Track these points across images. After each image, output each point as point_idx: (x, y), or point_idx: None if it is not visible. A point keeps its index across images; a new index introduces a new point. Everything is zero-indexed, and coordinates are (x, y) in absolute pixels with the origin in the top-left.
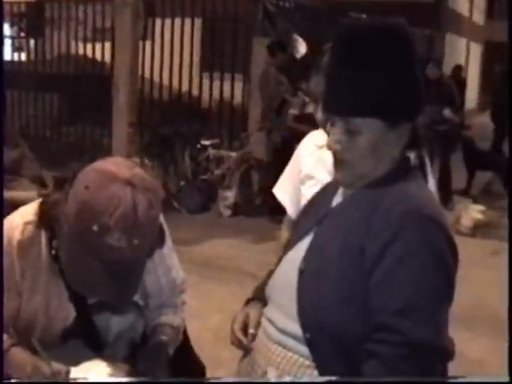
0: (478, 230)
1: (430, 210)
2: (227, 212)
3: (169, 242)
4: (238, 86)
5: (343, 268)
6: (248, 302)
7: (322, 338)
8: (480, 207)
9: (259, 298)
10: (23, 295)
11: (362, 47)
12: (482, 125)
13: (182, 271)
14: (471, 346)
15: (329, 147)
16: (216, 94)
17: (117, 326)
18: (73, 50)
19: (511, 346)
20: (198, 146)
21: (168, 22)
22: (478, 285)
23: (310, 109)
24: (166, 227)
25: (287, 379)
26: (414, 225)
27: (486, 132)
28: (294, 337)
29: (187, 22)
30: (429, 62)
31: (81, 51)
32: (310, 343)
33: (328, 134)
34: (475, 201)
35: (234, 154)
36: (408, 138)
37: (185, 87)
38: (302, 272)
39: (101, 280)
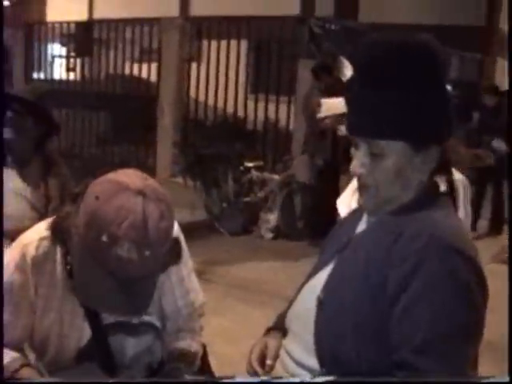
0: None
1: (455, 240)
2: (268, 235)
3: (189, 262)
4: (283, 108)
5: (363, 301)
6: (268, 331)
7: (339, 373)
8: None
9: (280, 327)
10: (37, 313)
11: (384, 64)
12: None
13: (202, 294)
14: None
15: (353, 171)
16: (261, 115)
17: (133, 348)
18: (120, 70)
19: (511, 346)
20: (242, 167)
21: (214, 43)
22: None
23: None
24: (184, 245)
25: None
26: (436, 255)
27: None
28: (311, 370)
29: (233, 43)
30: (480, 87)
31: (129, 71)
32: None
33: (352, 157)
34: None
35: (276, 177)
36: (436, 163)
37: (231, 108)
38: (320, 303)
39: (111, 294)
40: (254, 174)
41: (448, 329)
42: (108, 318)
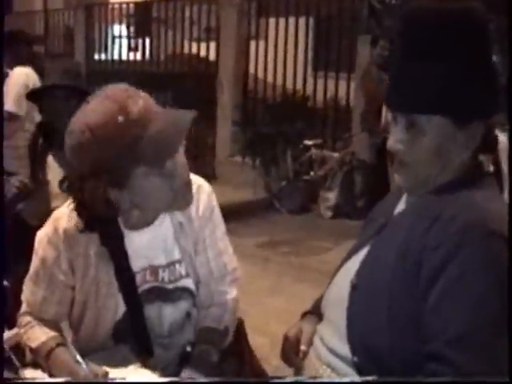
0: None
1: (497, 224)
2: (328, 213)
3: (222, 225)
4: (343, 85)
5: (396, 286)
6: (305, 314)
7: (371, 362)
8: None
9: (316, 311)
10: (76, 286)
11: (426, 33)
12: None
13: (236, 260)
14: None
15: (390, 147)
16: (321, 93)
17: (171, 315)
18: (180, 49)
19: (511, 346)
20: (301, 145)
21: (273, 21)
22: None
23: None
24: (218, 209)
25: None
26: (476, 240)
27: None
28: (343, 358)
29: (291, 21)
30: None
31: (188, 50)
32: (357, 367)
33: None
34: None
35: (336, 155)
36: (481, 141)
37: (291, 86)
38: (354, 288)
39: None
40: (314, 151)
41: (487, 320)
42: (143, 285)
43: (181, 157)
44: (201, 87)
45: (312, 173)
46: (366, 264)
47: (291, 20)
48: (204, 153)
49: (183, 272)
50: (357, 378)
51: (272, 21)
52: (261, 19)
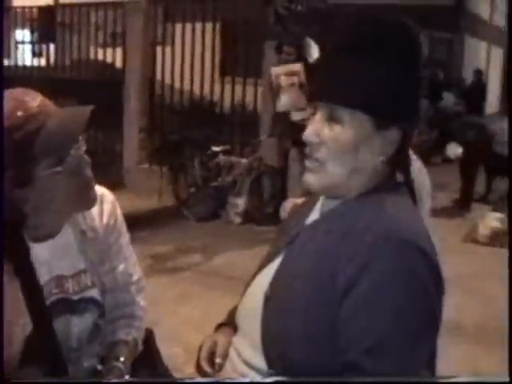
0: (496, 238)
1: (410, 234)
2: (237, 219)
3: (127, 234)
4: (250, 90)
5: (311, 298)
6: (219, 326)
7: (286, 374)
8: (499, 215)
9: (231, 322)
10: None
11: (360, 34)
12: (502, 130)
13: (140, 270)
14: (484, 363)
15: (306, 138)
16: (228, 99)
17: (78, 327)
18: (86, 55)
19: (511, 346)
20: (209, 152)
21: (180, 26)
22: (495, 298)
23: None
24: (121, 216)
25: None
26: (389, 250)
27: (506, 137)
28: (259, 371)
29: (198, 26)
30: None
31: (95, 56)
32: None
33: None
34: (494, 208)
35: (244, 161)
36: (396, 148)
37: (198, 92)
38: (267, 299)
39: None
40: (222, 158)
41: (403, 328)
42: (50, 298)
43: (82, 154)
44: (107, 93)
45: (220, 179)
46: (279, 275)
47: (198, 25)
48: (111, 160)
49: (89, 282)
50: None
51: (179, 26)
52: (167, 24)
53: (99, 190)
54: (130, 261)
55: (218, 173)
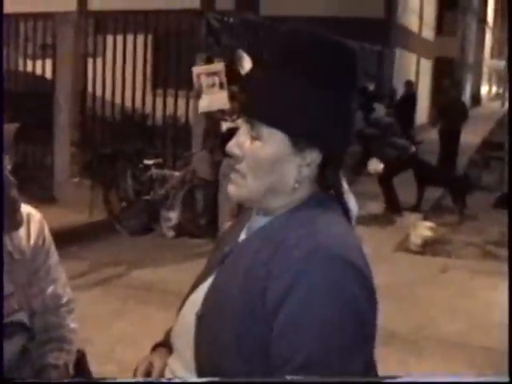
0: (428, 247)
1: (339, 247)
2: (171, 233)
3: (55, 254)
4: (182, 103)
5: (242, 316)
6: (155, 347)
7: None
8: (429, 224)
9: (167, 343)
10: None
11: (290, 47)
12: (431, 140)
13: (70, 290)
14: (417, 370)
15: (228, 149)
16: (160, 111)
17: (8, 352)
18: (14, 67)
19: (511, 346)
20: (141, 165)
21: (111, 38)
22: (427, 304)
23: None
24: (49, 236)
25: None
26: (318, 265)
27: (436, 147)
28: None
29: (129, 38)
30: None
31: (25, 68)
32: None
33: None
34: (425, 217)
35: (177, 174)
36: (319, 171)
37: (130, 105)
38: (199, 319)
39: None
40: (154, 171)
41: (334, 343)
42: None
43: (7, 174)
44: (37, 106)
45: (152, 192)
46: (211, 294)
47: (129, 37)
48: (42, 174)
49: (16, 305)
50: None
51: (110, 38)
52: (98, 36)
53: (26, 209)
54: (59, 282)
55: (151, 186)
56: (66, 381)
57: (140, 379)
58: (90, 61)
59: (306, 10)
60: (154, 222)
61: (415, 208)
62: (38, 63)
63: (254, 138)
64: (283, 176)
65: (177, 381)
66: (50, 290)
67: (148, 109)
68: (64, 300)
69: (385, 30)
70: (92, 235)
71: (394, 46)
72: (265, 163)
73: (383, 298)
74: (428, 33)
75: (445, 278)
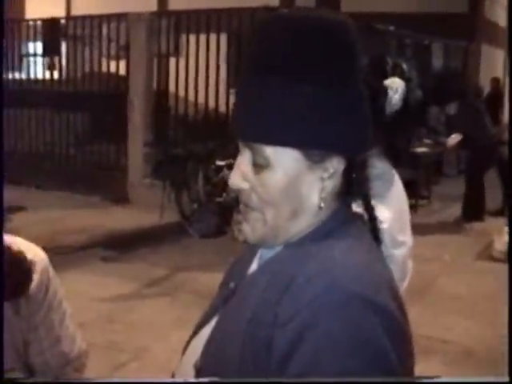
0: None
1: (359, 284)
2: (242, 237)
3: (62, 306)
4: None
5: (245, 369)
6: None
7: None
8: None
9: None
10: None
11: (275, 45)
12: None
13: (82, 341)
14: None
15: (233, 185)
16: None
17: None
18: (97, 68)
19: (511, 346)
20: (213, 166)
21: (194, 38)
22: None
23: None
24: (57, 285)
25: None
26: (334, 307)
27: None
28: None
29: (208, 37)
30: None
31: (107, 69)
32: None
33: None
34: (510, 223)
35: None
36: (344, 182)
37: (204, 104)
38: (198, 371)
39: None
40: (226, 172)
41: None
42: None
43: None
44: (114, 107)
45: (225, 194)
46: (212, 342)
47: (204, 37)
48: (116, 175)
49: (8, 365)
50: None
51: (185, 37)
52: (172, 36)
53: (29, 250)
54: (65, 339)
55: (223, 188)
56: (65, 381)
57: (140, 379)
58: (164, 60)
59: (388, 7)
60: (226, 225)
61: (500, 212)
62: (117, 63)
63: (259, 165)
64: (305, 197)
65: (177, 381)
66: (51, 349)
67: (222, 108)
68: (71, 356)
69: (470, 25)
70: (162, 237)
71: (480, 42)
72: (279, 191)
73: (459, 312)
74: None
75: None
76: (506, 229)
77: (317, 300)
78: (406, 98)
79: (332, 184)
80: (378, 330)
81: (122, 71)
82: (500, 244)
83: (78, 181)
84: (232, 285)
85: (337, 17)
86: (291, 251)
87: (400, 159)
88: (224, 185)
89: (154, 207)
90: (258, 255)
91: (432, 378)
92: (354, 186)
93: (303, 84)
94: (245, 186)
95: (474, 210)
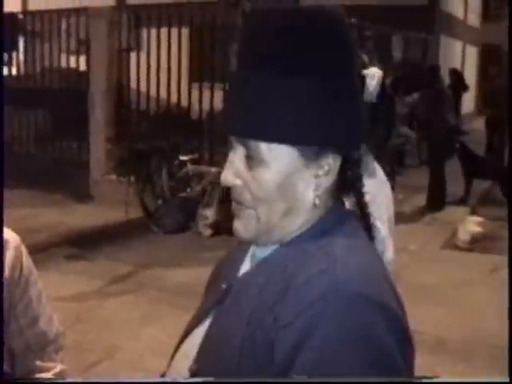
0: (476, 243)
1: (362, 283)
2: (207, 231)
3: (38, 284)
4: (218, 95)
5: (244, 371)
6: None
7: None
8: (478, 219)
9: None
10: None
11: (269, 37)
12: (478, 130)
13: (58, 323)
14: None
15: (225, 182)
16: (196, 105)
17: None
18: (56, 63)
19: (511, 346)
20: (176, 161)
21: (155, 32)
22: (477, 308)
23: None
24: (30, 262)
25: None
26: (335, 308)
27: (482, 137)
28: None
29: (167, 31)
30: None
31: (67, 64)
32: None
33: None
34: (473, 211)
35: (214, 169)
36: (336, 177)
37: (165, 98)
38: (193, 375)
39: None
40: (190, 167)
41: None
42: None
43: None
44: (75, 103)
45: (189, 189)
46: (207, 344)
47: (164, 30)
48: (78, 172)
49: None
50: None
51: (145, 31)
52: (133, 30)
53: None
54: (42, 317)
55: (187, 183)
56: (66, 381)
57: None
58: (125, 55)
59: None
60: (190, 220)
61: (463, 201)
62: (76, 58)
63: (253, 161)
64: (299, 194)
65: (177, 381)
66: (31, 328)
67: (184, 102)
68: (50, 337)
69: (429, 17)
70: (127, 234)
71: (439, 34)
72: (273, 188)
73: (430, 302)
74: (474, 19)
75: (495, 278)
76: (469, 218)
77: (321, 300)
78: (383, 86)
79: (327, 181)
80: (382, 329)
81: (83, 66)
82: (463, 233)
83: (40, 178)
84: (224, 285)
85: (330, 10)
86: (287, 250)
87: (381, 150)
88: (188, 180)
89: (118, 204)
90: (249, 254)
91: (432, 378)
92: (349, 183)
93: (299, 80)
94: (238, 182)
95: (436, 199)
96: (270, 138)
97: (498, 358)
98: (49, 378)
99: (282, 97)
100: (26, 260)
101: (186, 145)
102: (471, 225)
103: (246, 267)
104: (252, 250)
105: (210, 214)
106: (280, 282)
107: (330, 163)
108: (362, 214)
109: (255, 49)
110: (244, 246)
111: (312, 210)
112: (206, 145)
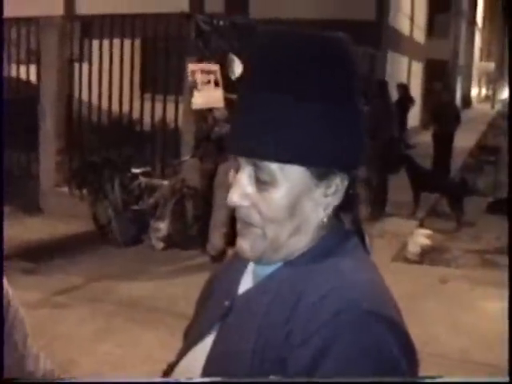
0: (425, 255)
1: (371, 301)
2: (160, 245)
3: (24, 324)
4: (171, 108)
5: None
6: None
7: None
8: (426, 231)
9: None
10: None
11: (282, 61)
12: (424, 143)
13: (46, 360)
14: None
15: (233, 203)
16: (148, 117)
17: None
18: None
19: (511, 346)
20: (129, 173)
21: (107, 43)
22: (427, 318)
23: None
24: (16, 303)
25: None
26: (352, 326)
27: (429, 151)
28: None
29: (120, 42)
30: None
31: (10, 74)
32: None
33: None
34: (421, 224)
35: (166, 182)
36: (344, 196)
37: (117, 110)
38: None
39: None
40: (142, 180)
41: None
42: None
43: None
44: (23, 112)
45: (141, 202)
46: (214, 360)
47: (116, 41)
48: (27, 183)
49: None
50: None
51: (96, 42)
52: (85, 41)
53: None
54: (28, 359)
55: (139, 196)
56: (66, 381)
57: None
58: (77, 66)
59: (297, 13)
60: (142, 233)
61: (411, 215)
62: (25, 69)
63: (263, 181)
64: (308, 213)
65: (177, 381)
66: (17, 368)
67: (136, 114)
68: (37, 376)
69: (376, 33)
70: (79, 247)
71: (386, 49)
72: (284, 208)
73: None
74: (419, 35)
75: (444, 290)
76: (418, 231)
77: (334, 319)
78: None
79: (335, 200)
80: (393, 345)
81: (33, 77)
82: (413, 246)
83: None
84: (227, 302)
85: (338, 35)
86: (293, 269)
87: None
88: (140, 192)
89: (68, 216)
90: (248, 271)
91: (433, 377)
92: (351, 201)
93: (313, 104)
94: (245, 203)
95: (377, 209)
96: (282, 159)
97: (447, 369)
98: (49, 378)
99: (297, 119)
100: (13, 302)
101: (139, 157)
102: (420, 237)
103: (247, 284)
104: (252, 267)
105: (162, 227)
106: (289, 299)
107: (338, 183)
108: (358, 231)
109: (269, 72)
110: (239, 262)
111: (317, 229)
112: (158, 157)
